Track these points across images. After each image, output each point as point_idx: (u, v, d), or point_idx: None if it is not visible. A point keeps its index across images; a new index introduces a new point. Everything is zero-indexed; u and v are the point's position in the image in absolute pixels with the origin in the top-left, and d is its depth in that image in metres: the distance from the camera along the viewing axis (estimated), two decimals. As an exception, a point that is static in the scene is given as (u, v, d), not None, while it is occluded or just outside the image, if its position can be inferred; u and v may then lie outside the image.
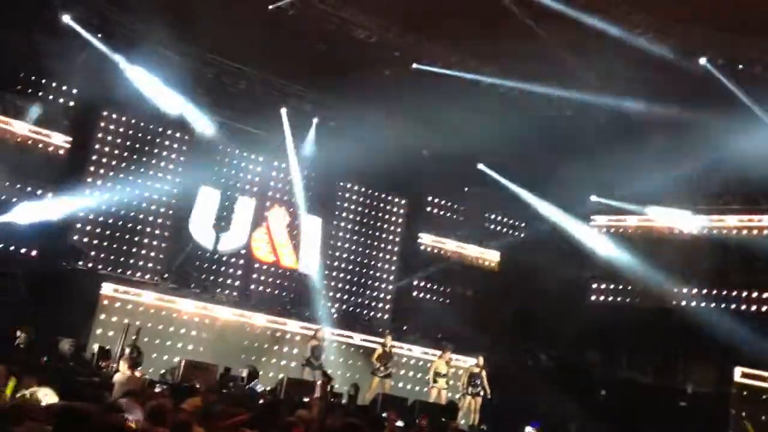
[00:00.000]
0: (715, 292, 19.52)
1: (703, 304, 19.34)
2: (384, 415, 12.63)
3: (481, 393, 16.44)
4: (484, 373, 16.61)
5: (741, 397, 17.11)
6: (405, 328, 20.12)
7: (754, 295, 19.11)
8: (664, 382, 18.53)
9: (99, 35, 16.33)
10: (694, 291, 19.71)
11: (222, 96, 18.35)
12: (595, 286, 21.24)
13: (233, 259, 19.13)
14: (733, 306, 19.23)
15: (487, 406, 16.62)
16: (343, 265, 20.89)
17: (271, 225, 19.78)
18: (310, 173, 20.23)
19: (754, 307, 19.07)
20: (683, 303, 19.65)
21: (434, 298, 21.86)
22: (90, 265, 16.95)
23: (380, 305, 21.25)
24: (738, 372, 17.23)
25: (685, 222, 20.07)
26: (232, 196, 19.22)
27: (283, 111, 19.03)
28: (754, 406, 17.01)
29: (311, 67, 17.64)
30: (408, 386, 18.42)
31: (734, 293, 19.35)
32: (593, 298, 21.26)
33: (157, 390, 11.00)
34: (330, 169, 19.91)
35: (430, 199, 22.13)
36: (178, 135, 18.76)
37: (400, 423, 11.43)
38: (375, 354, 16.70)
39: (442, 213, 22.41)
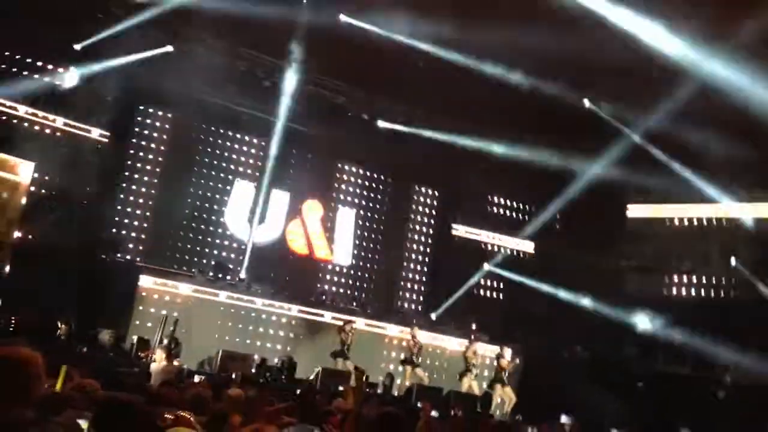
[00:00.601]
0: (754, 280, 19.23)
1: (742, 293, 19.11)
2: (419, 405, 12.66)
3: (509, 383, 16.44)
4: (507, 363, 16.65)
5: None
6: (438, 318, 20.09)
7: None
8: (702, 373, 18.28)
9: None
10: (733, 281, 19.46)
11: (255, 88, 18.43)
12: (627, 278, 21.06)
13: (269, 252, 19.30)
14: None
15: (522, 396, 16.57)
16: (376, 257, 20.97)
17: (306, 217, 19.96)
18: (344, 165, 20.40)
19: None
20: (723, 292, 19.43)
21: (469, 289, 21.80)
22: (128, 257, 17.24)
23: (414, 297, 21.33)
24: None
25: (727, 211, 19.78)
26: (267, 189, 19.36)
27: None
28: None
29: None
30: (443, 377, 18.40)
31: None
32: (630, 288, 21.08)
33: (196, 380, 11.14)
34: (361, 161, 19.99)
35: (464, 190, 22.02)
36: (213, 129, 19.03)
37: (434, 413, 11.43)
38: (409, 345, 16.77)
39: (476, 203, 22.32)
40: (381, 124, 19.80)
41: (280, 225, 19.47)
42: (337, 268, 20.35)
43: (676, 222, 21.04)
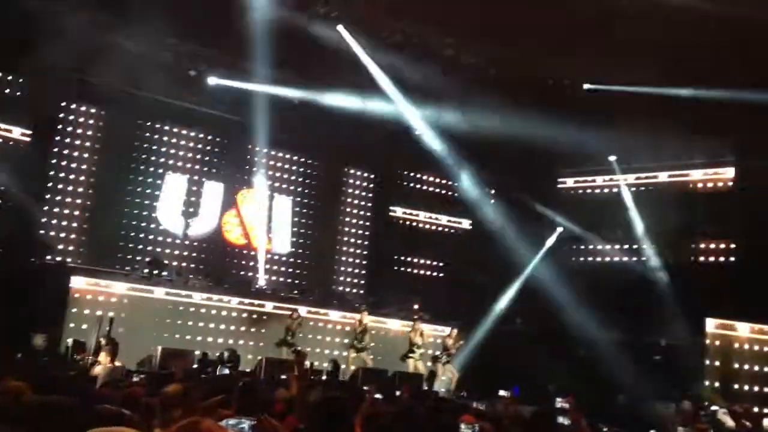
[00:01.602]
0: (683, 245, 19.87)
1: (672, 258, 19.68)
2: (366, 388, 12.69)
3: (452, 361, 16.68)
4: (453, 342, 16.88)
5: (714, 348, 17.44)
6: (380, 301, 20.14)
7: (722, 246, 19.48)
8: (639, 338, 18.78)
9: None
10: (663, 246, 20.03)
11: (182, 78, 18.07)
12: (566, 248, 21.48)
13: (204, 245, 19.08)
14: (702, 258, 19.61)
15: (466, 372, 16.80)
16: (315, 243, 20.89)
17: (241, 208, 19.75)
18: (277, 152, 20.23)
19: (722, 258, 19.45)
20: (654, 258, 19.97)
21: (409, 270, 21.97)
22: (59, 258, 16.79)
23: (355, 281, 21.35)
24: (710, 323, 17.54)
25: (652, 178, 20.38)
26: (199, 181, 19.10)
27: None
28: (727, 355, 17.36)
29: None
30: (388, 359, 18.47)
31: (702, 246, 19.71)
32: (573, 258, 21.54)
33: (135, 379, 10.93)
34: (295, 147, 19.82)
35: (399, 172, 22.05)
36: (140, 122, 18.61)
37: (378, 395, 11.48)
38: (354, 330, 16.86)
39: (412, 185, 22.40)
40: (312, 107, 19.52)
41: (215, 217, 19.19)
42: (276, 257, 20.19)
43: (606, 191, 21.52)
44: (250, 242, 19.74)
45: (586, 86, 18.29)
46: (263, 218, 19.92)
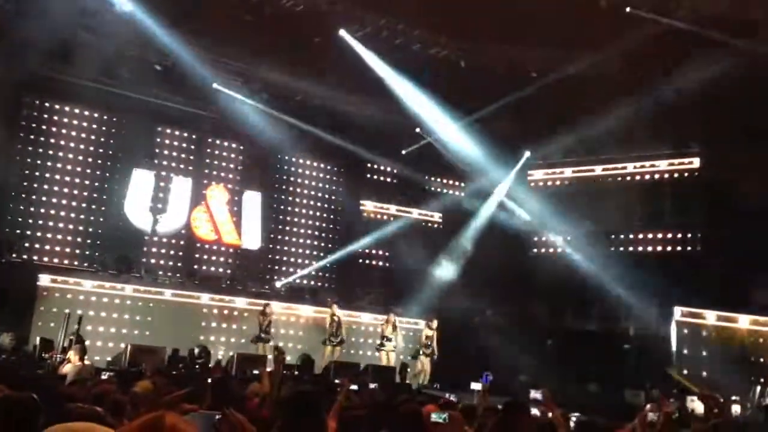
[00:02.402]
0: (650, 235, 20.13)
1: (639, 248, 19.94)
2: (337, 381, 12.71)
3: (433, 354, 16.70)
4: (435, 335, 16.85)
5: (682, 336, 17.69)
6: (352, 295, 20.15)
7: (689, 236, 19.75)
8: (608, 327, 19.00)
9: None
10: (630, 236, 20.30)
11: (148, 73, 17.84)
12: (536, 238, 21.65)
13: (173, 241, 18.93)
14: (669, 248, 19.88)
15: (438, 365, 16.85)
16: (286, 238, 20.82)
17: (211, 203, 19.57)
18: (246, 147, 20.11)
19: (689, 248, 19.72)
20: (621, 248, 20.22)
21: (380, 263, 21.99)
22: (25, 256, 16.54)
23: (326, 275, 21.28)
24: (678, 311, 17.78)
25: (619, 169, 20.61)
26: (167, 176, 18.91)
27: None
28: (695, 343, 17.62)
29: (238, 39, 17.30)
30: (360, 352, 18.50)
31: (669, 235, 19.98)
32: (535, 250, 21.69)
33: (103, 377, 10.81)
34: (267, 142, 19.69)
35: (369, 165, 22.02)
36: (105, 118, 18.34)
37: (354, 387, 11.49)
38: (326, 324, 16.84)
39: (382, 178, 22.38)
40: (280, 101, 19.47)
41: (184, 213, 19.02)
42: (247, 252, 20.06)
43: (575, 182, 21.70)
44: (220, 238, 19.56)
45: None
46: (233, 213, 19.79)
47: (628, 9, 15.78)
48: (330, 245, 21.46)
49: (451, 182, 23.13)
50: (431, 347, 16.80)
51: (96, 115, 18.26)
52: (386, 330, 16.76)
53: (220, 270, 19.52)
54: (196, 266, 19.03)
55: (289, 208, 21.08)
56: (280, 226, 20.82)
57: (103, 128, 18.37)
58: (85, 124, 18.19)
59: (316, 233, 21.45)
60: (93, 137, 18.21)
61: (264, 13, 16.37)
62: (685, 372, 17.21)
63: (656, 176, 20.57)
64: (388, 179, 22.61)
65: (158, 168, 18.87)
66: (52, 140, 17.72)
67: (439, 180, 22.93)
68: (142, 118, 18.52)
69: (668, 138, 19.90)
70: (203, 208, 19.42)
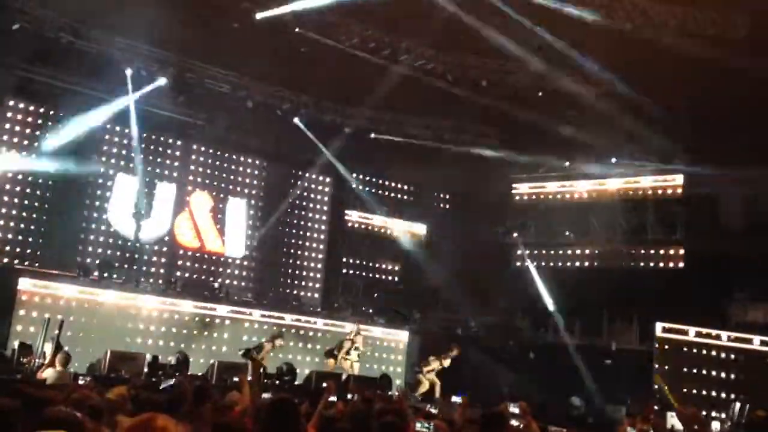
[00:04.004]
0: (633, 251, 20.22)
1: (622, 264, 20.02)
2: (324, 384, 12.73)
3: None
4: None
5: (663, 352, 17.76)
6: (336, 305, 20.10)
7: (671, 252, 19.86)
8: (590, 342, 19.04)
9: None
10: (614, 251, 20.38)
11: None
12: (519, 252, 21.71)
13: (156, 247, 18.80)
14: (652, 264, 19.98)
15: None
16: (270, 247, 20.68)
17: (194, 210, 19.42)
18: (231, 154, 20.06)
19: (671, 264, 19.82)
20: (605, 263, 20.30)
21: (363, 274, 21.97)
22: (5, 260, 16.39)
23: (310, 284, 21.17)
24: (659, 327, 17.86)
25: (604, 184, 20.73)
26: (151, 182, 18.79)
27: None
28: (676, 359, 17.69)
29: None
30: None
31: (652, 251, 20.08)
32: (518, 264, 21.74)
33: (81, 382, 10.72)
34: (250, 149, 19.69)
35: (355, 176, 22.01)
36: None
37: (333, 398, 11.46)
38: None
39: (368, 189, 22.36)
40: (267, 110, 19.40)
41: (167, 219, 18.90)
42: (230, 260, 19.95)
43: (559, 197, 21.79)
44: (203, 245, 19.43)
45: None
46: (217, 221, 19.67)
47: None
48: (315, 254, 21.37)
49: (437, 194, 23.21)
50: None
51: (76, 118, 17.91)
52: (357, 340, 16.51)
53: (203, 277, 19.32)
54: (178, 273, 18.90)
55: (275, 217, 20.67)
56: (263, 234, 20.53)
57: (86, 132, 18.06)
58: (67, 127, 17.84)
59: (300, 242, 21.29)
60: (76, 141, 17.89)
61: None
62: (666, 388, 17.27)
63: (640, 192, 20.66)
64: (375, 190, 22.55)
65: (142, 173, 18.54)
66: (26, 142, 17.42)
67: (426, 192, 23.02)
68: (125, 123, 18.34)
69: (653, 155, 20.01)
70: (186, 215, 19.27)
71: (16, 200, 17.18)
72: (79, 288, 15.97)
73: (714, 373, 17.47)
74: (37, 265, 16.43)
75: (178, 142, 19.53)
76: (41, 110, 17.76)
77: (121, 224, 18.14)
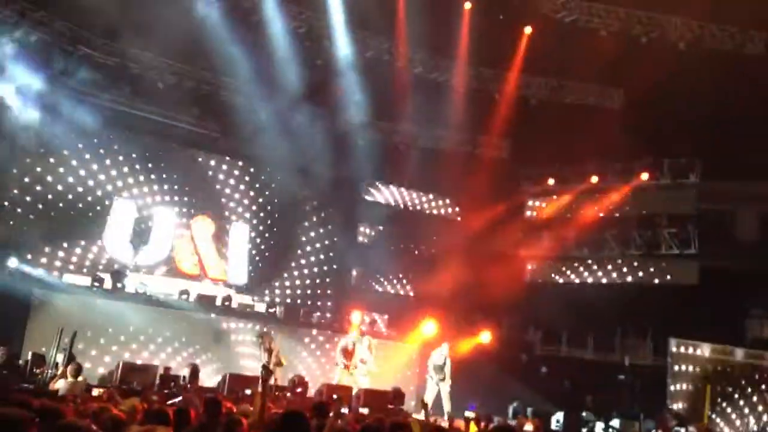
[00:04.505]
0: (647, 266, 20.13)
1: (636, 278, 19.93)
2: (335, 396, 12.77)
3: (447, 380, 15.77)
4: (449, 361, 15.93)
5: (677, 368, 17.61)
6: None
7: (685, 267, 19.73)
8: (603, 357, 18.95)
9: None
10: (627, 266, 20.30)
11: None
12: (529, 267, 21.65)
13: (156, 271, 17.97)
14: (666, 278, 19.86)
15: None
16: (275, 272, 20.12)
17: (196, 236, 18.68)
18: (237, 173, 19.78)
19: (685, 279, 19.68)
20: (619, 278, 20.22)
21: (375, 286, 21.87)
22: (21, 270, 16.41)
23: (318, 303, 20.62)
24: (673, 343, 17.73)
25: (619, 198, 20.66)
26: (150, 206, 18.19)
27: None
28: (690, 375, 17.56)
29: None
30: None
31: (666, 266, 19.96)
32: (528, 278, 21.68)
33: (95, 394, 10.77)
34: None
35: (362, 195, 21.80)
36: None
37: (344, 409, 11.47)
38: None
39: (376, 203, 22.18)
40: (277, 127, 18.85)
41: (166, 245, 18.13)
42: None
43: (572, 212, 21.72)
44: (204, 272, 18.62)
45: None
46: (219, 246, 18.93)
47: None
48: (324, 267, 21.08)
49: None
50: (443, 373, 15.83)
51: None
52: (364, 353, 16.19)
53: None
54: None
55: (280, 241, 20.04)
56: (267, 253, 19.85)
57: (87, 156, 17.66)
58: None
59: (303, 261, 20.65)
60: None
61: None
62: (681, 405, 17.14)
63: (654, 207, 20.54)
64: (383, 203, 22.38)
65: (140, 196, 18.10)
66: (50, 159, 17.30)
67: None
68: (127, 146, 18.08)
69: (668, 169, 19.97)
70: (188, 241, 18.56)
71: (30, 215, 16.98)
72: (92, 298, 15.99)
73: (730, 389, 17.33)
74: (52, 275, 16.45)
75: (180, 164, 18.86)
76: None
77: (118, 251, 17.50)
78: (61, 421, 4.75)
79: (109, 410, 6.04)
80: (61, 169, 17.14)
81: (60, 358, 12.33)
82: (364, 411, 13.13)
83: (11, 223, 16.56)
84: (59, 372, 11.61)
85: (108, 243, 17.53)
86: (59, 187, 17.08)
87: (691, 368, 17.58)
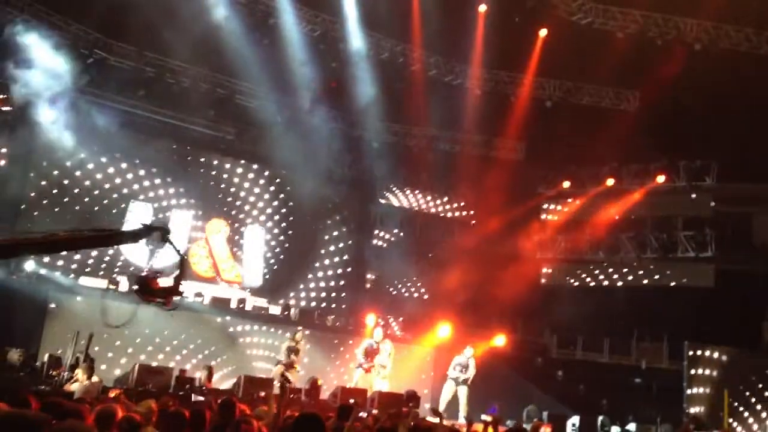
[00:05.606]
0: (663, 269, 20.00)
1: (652, 281, 19.80)
2: (352, 400, 12.68)
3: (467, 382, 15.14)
4: (472, 362, 15.31)
5: (694, 372, 17.49)
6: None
7: (702, 270, 19.59)
8: (619, 361, 18.85)
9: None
10: (643, 269, 20.17)
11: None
12: (545, 270, 21.55)
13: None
14: (683, 282, 19.72)
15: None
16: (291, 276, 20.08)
17: (210, 238, 18.81)
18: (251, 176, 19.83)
19: (702, 283, 19.54)
20: (635, 281, 20.09)
21: (390, 289, 21.84)
22: (37, 273, 16.52)
23: (333, 306, 20.60)
24: (689, 347, 17.60)
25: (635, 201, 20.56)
26: (166, 209, 18.34)
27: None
28: (706, 379, 17.43)
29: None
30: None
31: (682, 269, 19.83)
32: (544, 281, 21.58)
33: (111, 395, 10.79)
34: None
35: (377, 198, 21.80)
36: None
37: (363, 414, 11.44)
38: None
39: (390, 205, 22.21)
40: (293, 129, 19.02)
41: (181, 247, 18.30)
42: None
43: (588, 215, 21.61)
44: (219, 275, 18.74)
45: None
46: (234, 249, 19.01)
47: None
48: (339, 270, 21.07)
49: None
50: (466, 375, 15.20)
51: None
52: (384, 359, 16.03)
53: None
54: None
55: (296, 244, 20.06)
56: (283, 260, 19.85)
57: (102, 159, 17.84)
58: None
59: (317, 264, 20.56)
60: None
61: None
62: (698, 409, 17.02)
63: (670, 210, 20.43)
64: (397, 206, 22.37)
65: (157, 200, 18.24)
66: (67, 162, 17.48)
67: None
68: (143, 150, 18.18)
69: (684, 172, 19.85)
70: (203, 243, 18.70)
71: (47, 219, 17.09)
72: (108, 301, 16.02)
73: (747, 393, 17.19)
74: (69, 277, 16.55)
75: (194, 168, 19.07)
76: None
77: (133, 253, 17.47)
78: (61, 423, 4.77)
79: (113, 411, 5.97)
80: (78, 173, 17.28)
81: (76, 360, 12.42)
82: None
83: (29, 225, 16.63)
84: (75, 375, 11.68)
85: (124, 245, 17.44)
86: (76, 191, 17.24)
87: (707, 372, 17.46)
